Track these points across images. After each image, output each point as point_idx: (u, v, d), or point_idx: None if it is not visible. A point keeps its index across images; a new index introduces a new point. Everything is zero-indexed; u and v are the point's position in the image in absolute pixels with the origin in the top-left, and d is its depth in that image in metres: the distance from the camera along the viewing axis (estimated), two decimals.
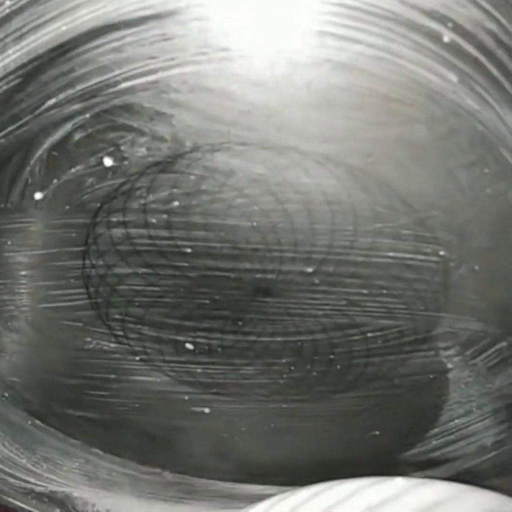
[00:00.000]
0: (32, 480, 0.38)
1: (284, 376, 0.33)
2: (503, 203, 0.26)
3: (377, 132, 0.24)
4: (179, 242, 0.28)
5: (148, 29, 0.23)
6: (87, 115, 0.25)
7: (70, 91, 0.24)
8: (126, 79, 0.24)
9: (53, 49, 0.23)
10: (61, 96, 0.24)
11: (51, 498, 0.38)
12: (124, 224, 0.28)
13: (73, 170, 0.26)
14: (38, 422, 0.37)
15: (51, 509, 0.38)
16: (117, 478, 0.39)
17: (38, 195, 0.27)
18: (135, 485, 0.39)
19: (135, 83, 0.24)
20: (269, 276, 0.29)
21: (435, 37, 0.22)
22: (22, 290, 0.30)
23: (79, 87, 0.24)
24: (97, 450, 0.38)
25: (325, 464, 0.38)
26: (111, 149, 0.26)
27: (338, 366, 0.33)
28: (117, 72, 0.24)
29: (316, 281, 0.29)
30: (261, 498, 0.38)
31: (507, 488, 0.34)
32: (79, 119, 0.25)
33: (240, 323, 0.31)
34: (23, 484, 0.37)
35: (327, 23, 0.22)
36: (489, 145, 0.24)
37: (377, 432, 0.36)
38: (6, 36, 0.23)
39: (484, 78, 0.23)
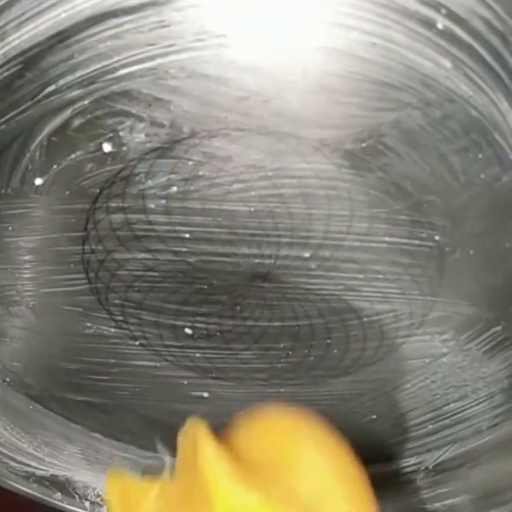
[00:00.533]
0: (33, 463, 0.38)
1: (282, 360, 0.34)
2: (497, 188, 0.26)
3: (372, 118, 0.24)
4: (178, 228, 0.29)
5: (146, 16, 0.23)
6: (86, 101, 0.25)
7: (69, 78, 0.24)
8: (125, 66, 0.24)
9: (52, 36, 0.24)
10: (61, 82, 0.25)
11: (52, 482, 0.39)
12: (123, 209, 0.28)
13: (72, 155, 0.27)
14: (39, 406, 0.37)
15: (52, 493, 0.39)
16: (118, 462, 0.39)
17: (38, 181, 0.27)
18: (136, 469, 0.40)
19: (133, 69, 0.24)
20: (267, 261, 0.30)
21: (429, 24, 0.22)
22: (23, 275, 0.31)
23: (78, 73, 0.24)
24: (97, 435, 0.39)
25: None
26: (110, 135, 0.26)
27: (335, 351, 0.33)
28: (115, 58, 0.24)
29: (313, 266, 0.29)
30: None
31: (502, 472, 0.35)
32: (78, 105, 0.25)
33: (238, 308, 0.32)
34: (24, 468, 0.38)
35: (322, 9, 0.22)
36: (483, 130, 0.25)
37: (374, 417, 0.36)
38: (6, 24, 0.24)
39: (478, 64, 0.23)
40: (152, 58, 0.24)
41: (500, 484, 0.35)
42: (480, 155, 0.25)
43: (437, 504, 0.37)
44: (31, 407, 0.37)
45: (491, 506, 0.35)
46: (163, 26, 0.23)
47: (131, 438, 0.39)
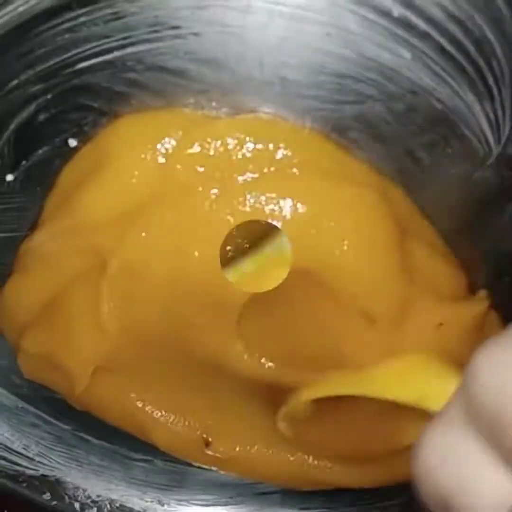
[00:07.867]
0: (23, 463, 0.38)
1: None
2: (467, 186, 0.25)
3: (333, 111, 0.24)
4: None
5: (100, 8, 0.23)
6: (49, 96, 0.25)
7: (30, 72, 0.25)
8: (83, 59, 0.24)
9: (11, 30, 0.24)
10: (23, 77, 0.25)
11: (42, 482, 0.38)
12: None
13: (39, 151, 0.27)
14: (28, 406, 0.37)
15: (41, 493, 0.38)
16: (109, 464, 0.39)
17: (9, 177, 0.27)
18: (126, 471, 0.39)
19: (91, 62, 0.24)
20: None
21: (384, 11, 0.21)
22: None
23: (38, 67, 0.24)
24: (88, 436, 0.39)
25: None
26: (75, 130, 0.26)
27: None
28: (73, 52, 0.24)
29: None
30: (251, 488, 0.38)
31: None
32: (42, 100, 0.25)
33: None
34: (14, 467, 0.38)
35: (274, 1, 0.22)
36: (450, 124, 0.24)
37: None
38: None
39: (438, 54, 0.22)
40: (109, 50, 0.24)
41: None
42: (448, 150, 0.24)
43: None
44: (20, 406, 0.37)
45: None
46: (117, 18, 0.23)
47: (122, 440, 0.39)
